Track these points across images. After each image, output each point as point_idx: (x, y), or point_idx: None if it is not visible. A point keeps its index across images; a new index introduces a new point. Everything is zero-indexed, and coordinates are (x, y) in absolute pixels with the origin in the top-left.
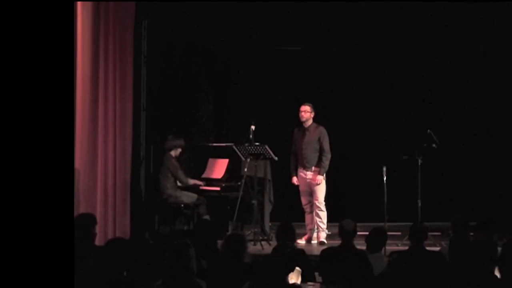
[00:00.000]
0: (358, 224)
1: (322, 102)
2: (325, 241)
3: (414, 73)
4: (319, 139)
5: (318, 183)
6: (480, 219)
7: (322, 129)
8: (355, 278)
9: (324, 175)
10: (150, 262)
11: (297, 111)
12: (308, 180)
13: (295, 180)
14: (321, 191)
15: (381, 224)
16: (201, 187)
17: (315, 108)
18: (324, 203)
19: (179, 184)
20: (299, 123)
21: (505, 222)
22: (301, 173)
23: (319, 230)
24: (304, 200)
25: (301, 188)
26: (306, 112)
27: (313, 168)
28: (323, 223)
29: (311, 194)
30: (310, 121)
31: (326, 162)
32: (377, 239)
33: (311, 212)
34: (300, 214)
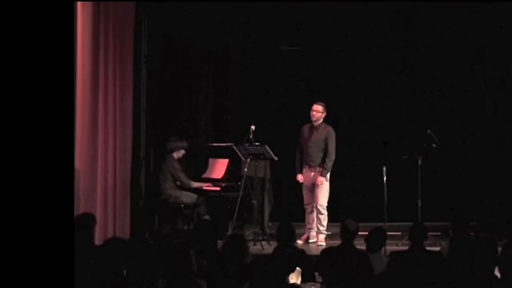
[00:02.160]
0: (358, 224)
1: (322, 102)
2: (323, 244)
3: (414, 73)
4: (325, 139)
5: (319, 184)
6: (480, 219)
7: (330, 129)
8: (355, 278)
9: (328, 177)
10: (150, 262)
11: (297, 110)
12: (312, 177)
13: (299, 177)
14: (323, 193)
15: (381, 224)
16: (203, 187)
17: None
18: (325, 205)
19: (179, 184)
20: (309, 121)
21: (505, 222)
22: (306, 171)
23: (318, 232)
24: (306, 199)
25: (304, 186)
26: (318, 112)
27: (317, 168)
28: (322, 225)
29: (313, 194)
30: (320, 121)
31: (329, 163)
32: (377, 239)
33: (312, 212)
34: (300, 214)
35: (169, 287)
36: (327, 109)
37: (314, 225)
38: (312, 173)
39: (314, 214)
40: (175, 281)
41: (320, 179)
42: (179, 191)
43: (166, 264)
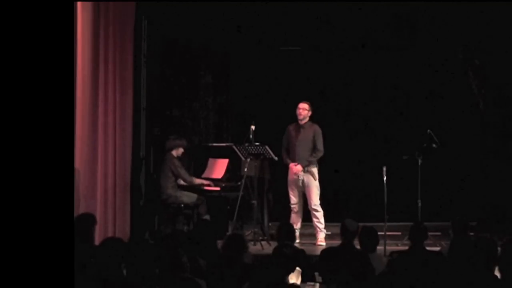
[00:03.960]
0: (358, 224)
1: (322, 101)
2: (323, 244)
3: (414, 73)
4: (313, 137)
5: (296, 171)
6: (480, 219)
7: (316, 127)
8: (355, 278)
9: (317, 176)
10: (150, 262)
11: (297, 110)
12: (299, 177)
13: (293, 165)
14: (314, 193)
15: (381, 224)
16: (204, 186)
17: (314, 108)
18: (318, 203)
19: (180, 183)
20: (295, 120)
21: (505, 222)
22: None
23: (317, 231)
24: (292, 199)
25: (290, 184)
26: (304, 110)
27: (305, 168)
28: (320, 223)
29: (301, 193)
30: (307, 119)
31: (313, 158)
32: (368, 239)
33: (299, 211)
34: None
35: (168, 287)
36: (326, 107)
37: (300, 224)
38: (300, 174)
39: (301, 214)
40: (174, 281)
41: (299, 167)
42: (179, 191)
43: (159, 264)
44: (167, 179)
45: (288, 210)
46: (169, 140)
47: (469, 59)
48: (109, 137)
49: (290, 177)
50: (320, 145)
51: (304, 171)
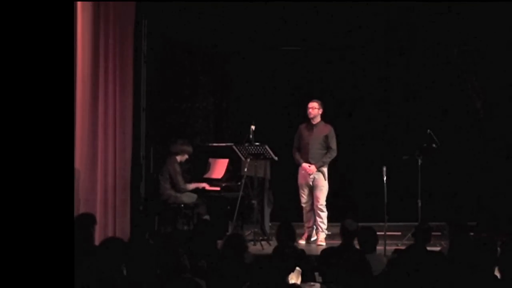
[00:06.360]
0: (358, 224)
1: (322, 101)
2: (323, 244)
3: (414, 72)
4: (326, 137)
5: (310, 172)
6: (480, 219)
7: (330, 127)
8: (355, 278)
9: (327, 176)
10: (150, 262)
11: (297, 110)
12: (311, 176)
13: (306, 165)
14: (322, 193)
15: (381, 224)
16: (202, 188)
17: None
18: (324, 204)
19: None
20: (307, 120)
21: (505, 222)
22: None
23: (319, 231)
24: (303, 197)
25: (301, 185)
26: (314, 109)
27: (318, 168)
28: (323, 223)
29: (311, 192)
30: (318, 118)
31: (328, 158)
32: (366, 239)
33: (310, 210)
34: (300, 214)
35: (168, 287)
36: (326, 107)
37: (312, 223)
38: (312, 172)
39: (313, 212)
40: (174, 281)
41: (313, 168)
42: None
43: (160, 264)
44: (167, 180)
45: (288, 210)
46: (176, 144)
47: (468, 61)
48: (109, 137)
49: (301, 177)
50: (334, 144)
51: (316, 170)
